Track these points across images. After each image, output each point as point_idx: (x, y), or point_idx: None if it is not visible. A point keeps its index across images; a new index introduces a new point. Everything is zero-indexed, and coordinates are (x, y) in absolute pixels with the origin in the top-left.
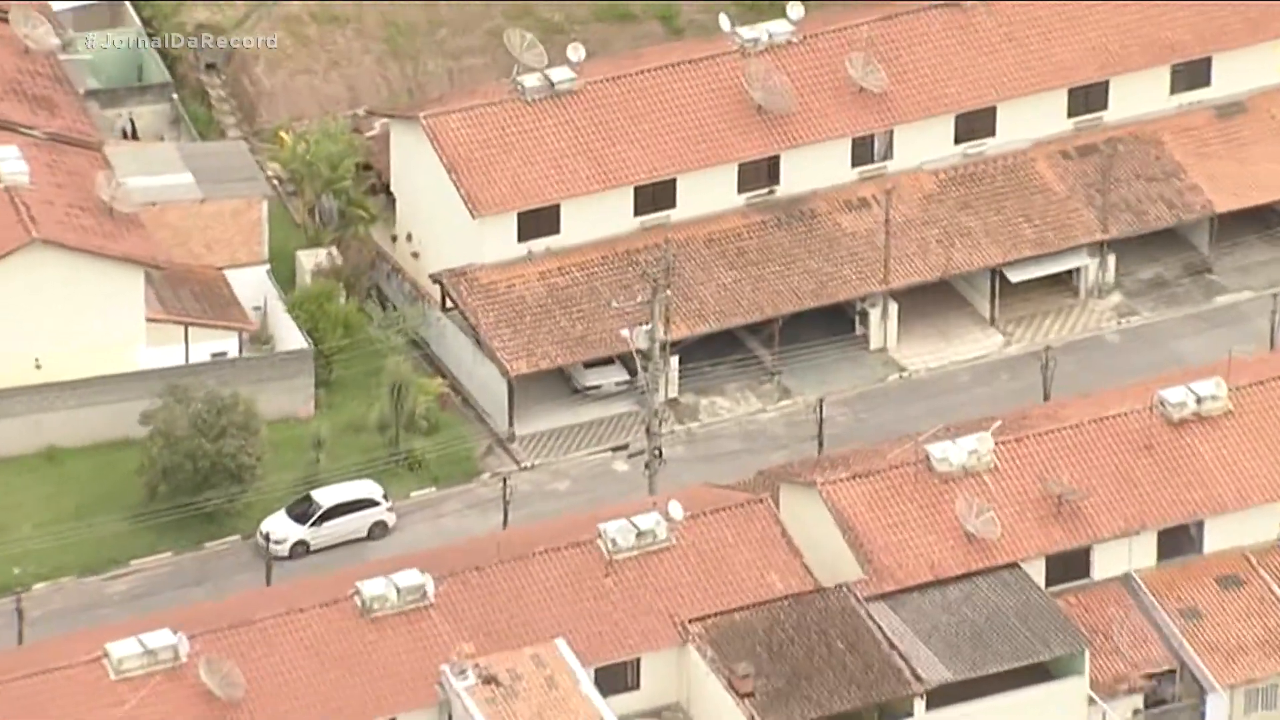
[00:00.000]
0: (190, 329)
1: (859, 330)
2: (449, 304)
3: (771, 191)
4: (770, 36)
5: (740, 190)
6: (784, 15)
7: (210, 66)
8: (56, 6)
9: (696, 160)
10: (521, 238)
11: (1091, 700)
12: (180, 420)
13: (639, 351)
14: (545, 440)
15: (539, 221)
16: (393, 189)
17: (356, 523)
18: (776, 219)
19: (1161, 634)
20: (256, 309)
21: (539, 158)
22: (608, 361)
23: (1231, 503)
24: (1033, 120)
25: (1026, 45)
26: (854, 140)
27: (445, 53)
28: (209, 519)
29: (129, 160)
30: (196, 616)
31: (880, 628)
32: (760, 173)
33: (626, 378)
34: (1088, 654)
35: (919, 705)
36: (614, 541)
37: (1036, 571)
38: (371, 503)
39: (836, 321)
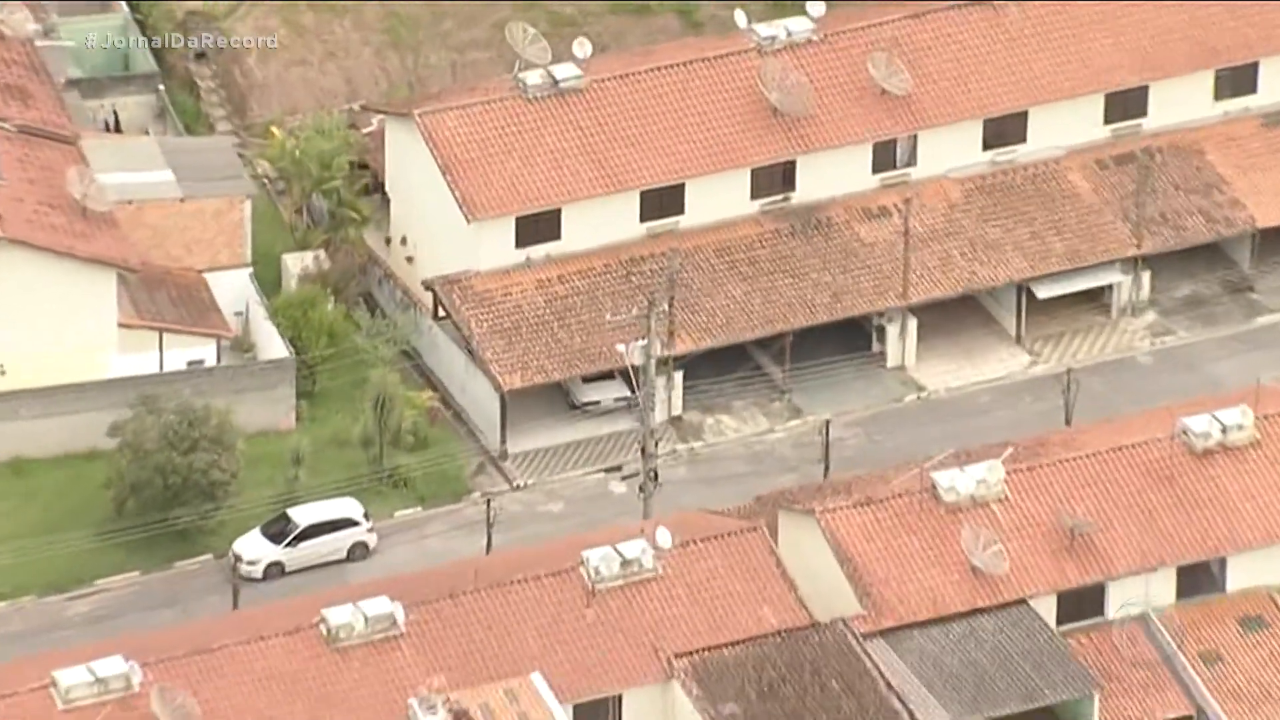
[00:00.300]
0: (165, 335)
1: (876, 347)
2: (441, 312)
3: (786, 198)
4: (789, 34)
5: (753, 197)
6: (804, 12)
7: (200, 56)
8: None
9: (707, 164)
10: (520, 243)
11: None
12: (150, 432)
13: (633, 368)
14: (539, 459)
15: (538, 227)
16: (387, 189)
17: (335, 543)
18: (791, 228)
19: (1179, 678)
20: (238, 315)
21: (540, 159)
22: (608, 376)
23: (1256, 539)
24: (1066, 127)
25: (1061, 47)
26: (875, 145)
27: (449, 45)
28: (180, 537)
29: (106, 155)
30: (152, 643)
31: (878, 667)
32: (775, 178)
33: (627, 394)
34: (1098, 698)
35: None
36: (597, 570)
37: (1047, 609)
38: (351, 522)
39: (853, 337)
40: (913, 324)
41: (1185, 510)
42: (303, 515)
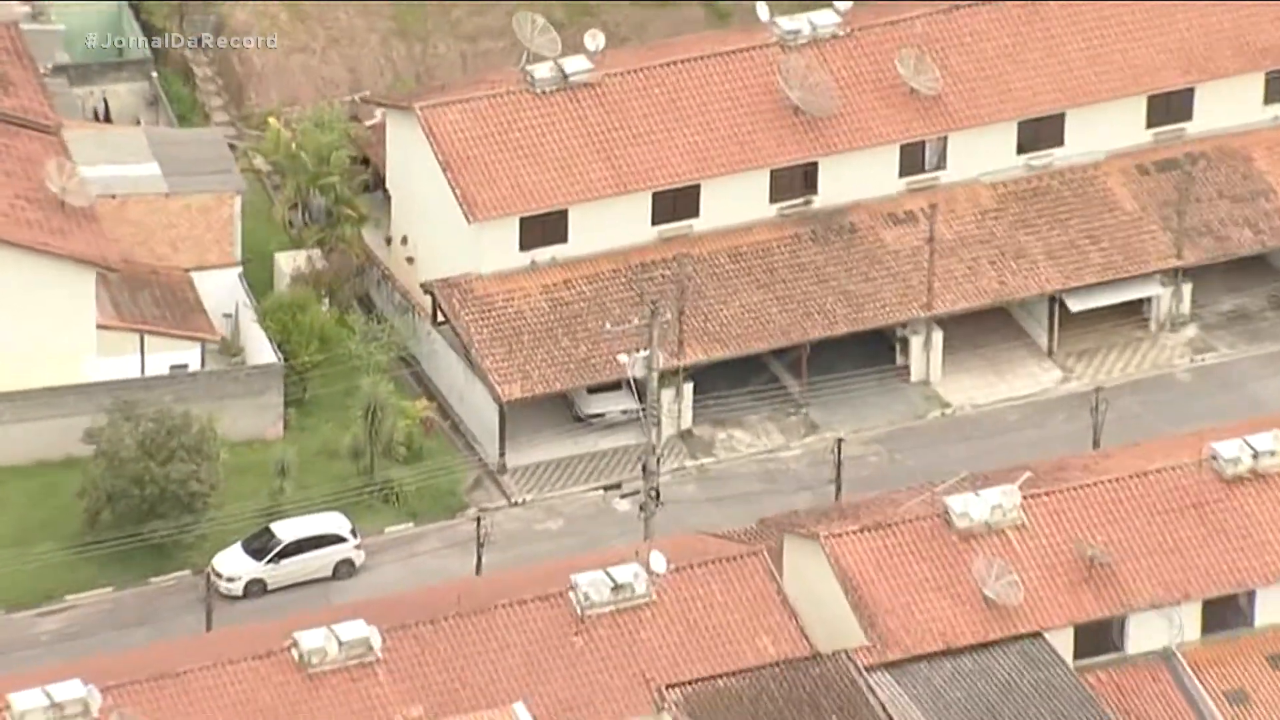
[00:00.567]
0: (147, 338)
1: (899, 360)
2: (440, 317)
3: (808, 202)
4: (813, 29)
5: (772, 200)
6: (830, 6)
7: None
8: None
9: (724, 165)
10: (524, 246)
11: None
12: (127, 440)
13: (635, 380)
14: (540, 473)
15: (544, 228)
16: (388, 186)
17: (320, 560)
18: (812, 233)
19: (1203, 718)
20: (227, 317)
21: (547, 156)
22: (614, 387)
23: None
24: (1106, 130)
25: (1102, 45)
26: (902, 147)
27: (459, 34)
28: (157, 551)
29: (90, 146)
30: (115, 666)
31: (881, 702)
32: (795, 181)
33: (634, 406)
34: None
35: None
36: (586, 595)
37: (1063, 643)
38: (337, 538)
39: (875, 350)
40: (938, 336)
41: (1212, 540)
42: (286, 530)
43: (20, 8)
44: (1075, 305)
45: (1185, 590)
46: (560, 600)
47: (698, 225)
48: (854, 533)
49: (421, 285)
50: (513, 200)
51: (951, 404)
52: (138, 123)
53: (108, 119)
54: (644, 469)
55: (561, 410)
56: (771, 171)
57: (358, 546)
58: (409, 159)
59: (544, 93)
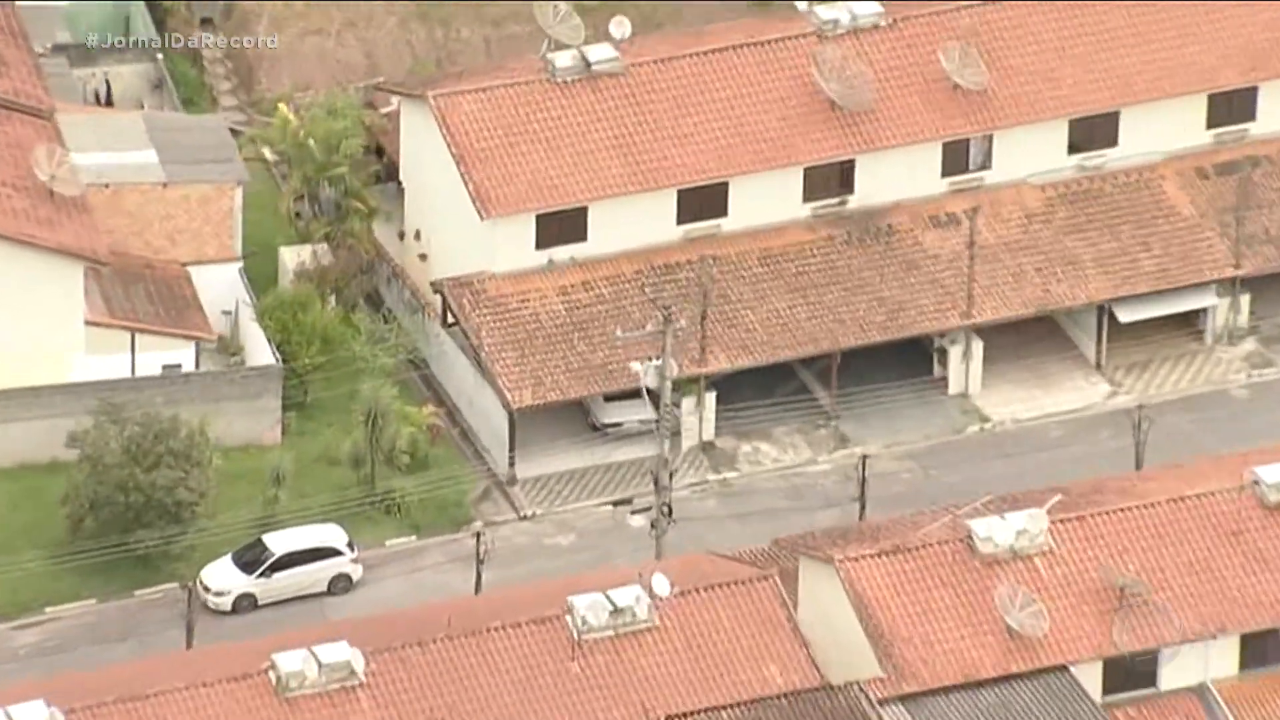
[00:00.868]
0: (139, 336)
1: (937, 371)
2: (450, 318)
3: (843, 202)
4: (854, 18)
5: (806, 199)
6: None
7: (205, 21)
8: None
9: (755, 161)
10: (540, 244)
11: None
12: (112, 444)
13: (648, 390)
14: (553, 485)
15: (562, 226)
16: (401, 178)
17: (315, 574)
18: (846, 235)
19: None
20: (227, 314)
21: (566, 150)
22: (632, 395)
23: None
24: (1163, 130)
25: (1160, 41)
26: (945, 145)
27: (484, 18)
28: (142, 563)
29: (85, 132)
30: (84, 684)
31: None
32: (831, 179)
33: (653, 416)
34: None
35: None
36: (584, 619)
37: (1091, 677)
38: (333, 551)
39: (911, 359)
40: (978, 347)
41: (1252, 570)
42: (279, 542)
43: None
44: (1125, 316)
45: (1222, 622)
46: (556, 623)
47: (725, 225)
48: (871, 556)
49: (431, 284)
50: (529, 196)
51: (991, 418)
52: (141, 107)
53: (109, 103)
54: (655, 483)
55: (577, 419)
56: (805, 169)
57: (355, 560)
58: (422, 150)
59: (565, 82)
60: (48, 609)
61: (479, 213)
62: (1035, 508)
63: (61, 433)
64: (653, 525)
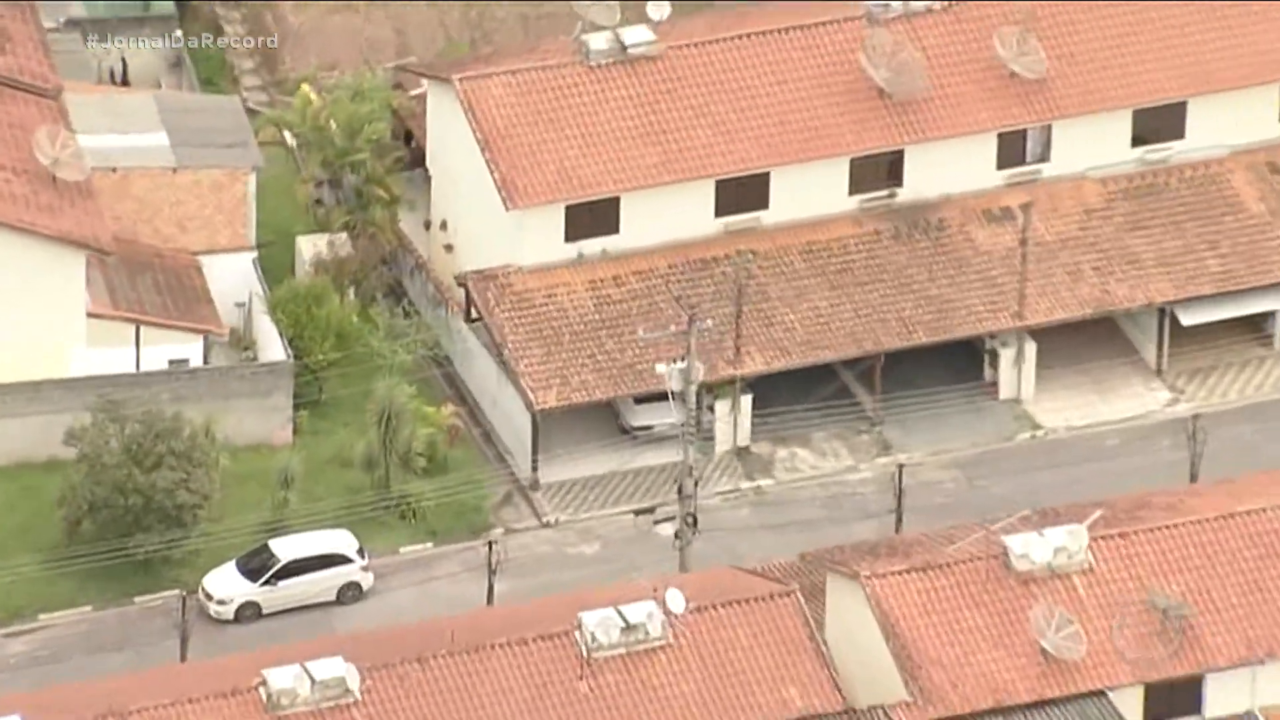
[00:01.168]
0: (144, 329)
1: (987, 375)
2: (474, 313)
3: (892, 195)
4: (905, 1)
5: (852, 191)
6: None
7: None
8: None
9: (798, 151)
10: (570, 236)
11: None
12: (111, 443)
13: (673, 394)
14: (578, 490)
15: (593, 217)
16: (428, 165)
17: (323, 583)
18: (894, 230)
19: None
20: (240, 306)
21: (599, 137)
22: (664, 397)
23: None
24: (1233, 122)
25: (1230, 27)
26: (1000, 136)
27: None
28: (142, 568)
29: (93, 112)
30: (66, 697)
31: None
32: (878, 170)
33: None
34: None
35: None
36: (593, 636)
37: (1131, 704)
38: (343, 559)
39: (960, 362)
40: (1031, 349)
41: None
42: (286, 548)
43: None
44: (1188, 319)
45: (1271, 647)
46: (565, 640)
47: (766, 218)
48: (899, 573)
49: (455, 277)
50: (558, 185)
51: (1043, 425)
52: (159, 86)
53: (125, 81)
54: (680, 491)
55: (605, 421)
56: (851, 160)
57: (365, 568)
58: (449, 136)
59: (599, 65)
60: (41, 616)
61: (504, 203)
62: (1075, 523)
63: (60, 430)
64: (676, 535)
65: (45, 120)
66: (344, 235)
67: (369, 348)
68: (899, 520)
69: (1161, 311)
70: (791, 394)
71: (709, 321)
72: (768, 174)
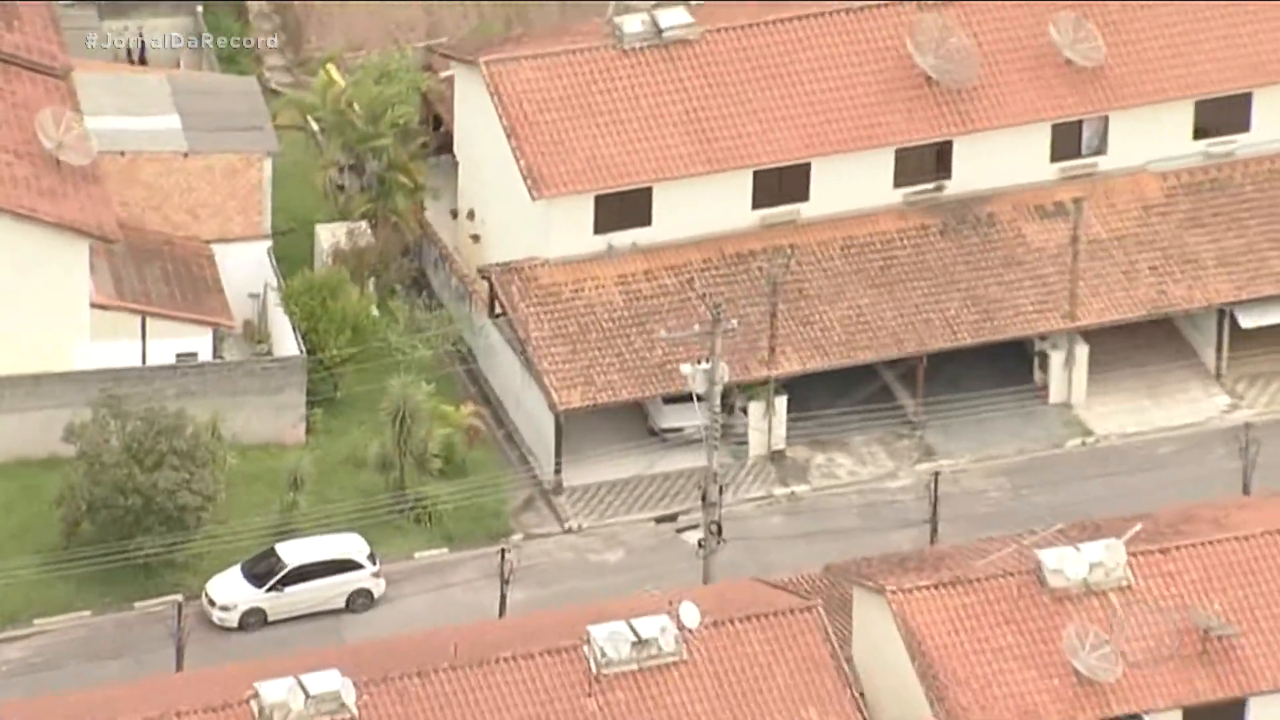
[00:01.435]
0: (150, 321)
1: (1037, 378)
2: (498, 308)
3: (939, 188)
4: None
5: (897, 184)
6: None
7: None
8: None
9: (840, 141)
10: (599, 228)
11: None
12: (111, 441)
13: (698, 396)
14: (604, 494)
15: (624, 208)
16: (455, 152)
17: (332, 589)
18: (941, 224)
19: None
20: (254, 298)
21: (631, 125)
22: (696, 398)
23: None
24: None
25: None
26: (1054, 127)
27: None
28: (143, 572)
29: (103, 93)
30: (50, 709)
31: None
32: (925, 162)
33: (718, 421)
34: None
35: None
36: (602, 651)
37: None
38: (353, 564)
39: (1009, 364)
40: (1083, 352)
41: None
42: (293, 553)
43: None
44: (1248, 321)
45: None
46: (573, 655)
47: (806, 211)
48: (927, 588)
49: (478, 270)
50: (588, 174)
51: (1095, 432)
52: (178, 65)
53: (143, 61)
54: (703, 499)
55: (633, 423)
56: (897, 151)
57: (377, 574)
58: (476, 121)
59: (632, 49)
60: (36, 621)
61: (530, 192)
62: (1113, 538)
63: (61, 426)
64: (700, 545)
65: (52, 101)
66: (364, 224)
67: (387, 343)
68: (933, 530)
69: (1221, 313)
70: (829, 395)
71: (734, 321)
72: (808, 165)
